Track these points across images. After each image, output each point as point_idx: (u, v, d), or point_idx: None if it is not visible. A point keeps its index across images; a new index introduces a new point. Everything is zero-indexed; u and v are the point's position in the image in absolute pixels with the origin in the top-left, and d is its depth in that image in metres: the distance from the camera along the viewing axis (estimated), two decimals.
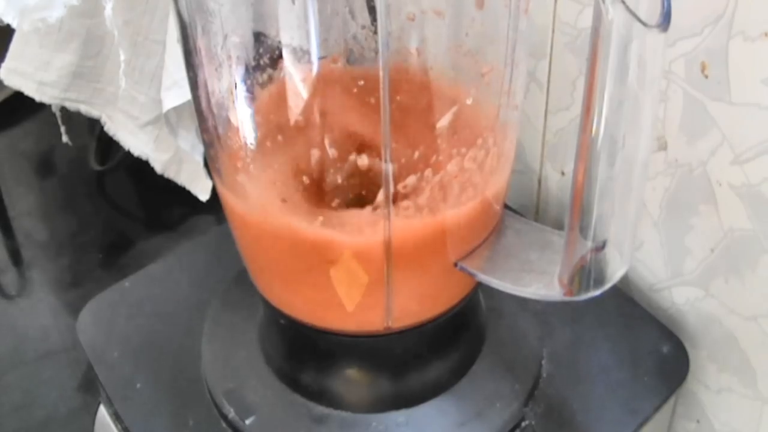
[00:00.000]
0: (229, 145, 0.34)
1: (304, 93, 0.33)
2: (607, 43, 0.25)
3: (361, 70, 0.34)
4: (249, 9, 0.33)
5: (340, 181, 0.32)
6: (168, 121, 0.59)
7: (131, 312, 0.44)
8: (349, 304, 0.34)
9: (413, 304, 0.35)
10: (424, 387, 0.38)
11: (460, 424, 0.37)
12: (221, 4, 0.31)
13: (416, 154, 0.32)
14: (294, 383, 0.38)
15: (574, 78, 0.45)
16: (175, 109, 0.57)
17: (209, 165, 0.38)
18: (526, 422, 0.38)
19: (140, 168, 0.63)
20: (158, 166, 0.63)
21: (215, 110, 0.34)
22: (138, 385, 0.40)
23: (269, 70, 0.34)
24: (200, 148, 0.61)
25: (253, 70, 0.34)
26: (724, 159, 0.38)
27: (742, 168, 0.37)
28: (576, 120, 0.34)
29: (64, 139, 0.67)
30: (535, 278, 0.33)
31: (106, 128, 0.63)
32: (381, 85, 0.29)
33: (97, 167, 0.70)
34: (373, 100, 0.31)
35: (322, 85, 0.33)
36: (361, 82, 0.33)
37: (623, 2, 0.24)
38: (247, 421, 0.37)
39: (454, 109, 0.32)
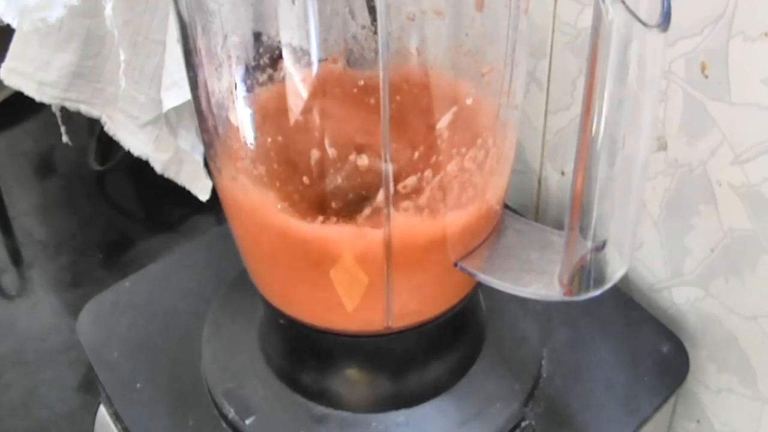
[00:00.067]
0: (229, 145, 0.34)
1: (304, 93, 0.33)
2: (607, 43, 0.25)
3: (360, 70, 0.34)
4: (249, 9, 0.33)
5: (340, 181, 0.32)
6: (168, 121, 0.59)
7: (131, 312, 0.44)
8: (349, 304, 0.34)
9: (413, 304, 0.35)
10: (424, 387, 0.38)
11: (460, 424, 0.37)
12: (221, 4, 0.31)
13: (416, 155, 0.32)
14: (294, 383, 0.38)
15: (574, 78, 0.45)
16: (175, 109, 0.57)
17: (209, 165, 0.38)
18: (526, 422, 0.38)
19: (140, 168, 0.63)
20: (158, 166, 0.63)
21: (215, 110, 0.34)
22: (138, 385, 0.40)
23: (269, 70, 0.34)
24: (200, 148, 0.61)
25: (253, 70, 0.34)
26: (724, 159, 0.38)
27: (742, 168, 0.37)
28: (576, 120, 0.34)
29: (64, 139, 0.67)
30: (535, 278, 0.33)
31: (106, 128, 0.63)
32: (381, 85, 0.29)
33: (97, 167, 0.70)
34: (372, 101, 0.31)
35: (322, 85, 0.33)
36: (361, 82, 0.33)
37: (623, 2, 0.24)
38: (247, 421, 0.37)
39: (454, 109, 0.32)
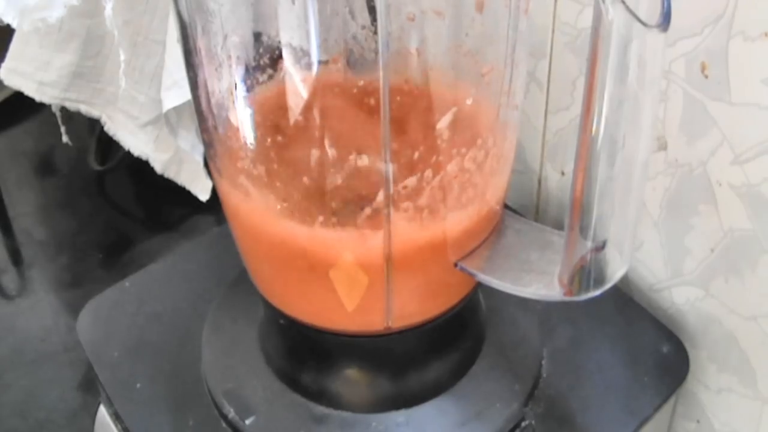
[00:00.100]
0: (229, 145, 0.34)
1: (304, 93, 0.33)
2: (607, 43, 0.25)
3: (360, 70, 0.34)
4: (249, 9, 0.33)
5: (340, 181, 0.32)
6: (168, 121, 0.59)
7: (131, 312, 0.44)
8: (349, 305, 0.34)
9: (413, 304, 0.35)
10: (424, 387, 0.38)
11: (460, 424, 0.37)
12: (221, 4, 0.31)
13: (416, 155, 0.32)
14: (294, 383, 0.38)
15: (574, 78, 0.45)
16: (175, 109, 0.57)
17: (209, 165, 0.38)
18: (526, 422, 0.38)
19: (140, 168, 0.63)
20: (158, 166, 0.63)
21: (215, 110, 0.34)
22: (138, 385, 0.40)
23: (269, 70, 0.34)
24: (200, 148, 0.61)
25: (253, 70, 0.34)
26: (724, 159, 0.38)
27: (742, 168, 0.37)
28: (576, 120, 0.34)
29: (64, 139, 0.67)
30: (535, 278, 0.33)
31: (106, 128, 0.63)
32: (381, 86, 0.29)
33: (97, 167, 0.70)
34: (372, 101, 0.31)
35: (322, 85, 0.33)
36: (361, 83, 0.33)
37: (623, 2, 0.24)
38: (247, 421, 0.37)
39: (453, 109, 0.32)
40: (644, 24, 0.24)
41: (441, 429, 0.37)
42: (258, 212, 0.33)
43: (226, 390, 0.39)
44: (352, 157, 0.32)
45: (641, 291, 0.46)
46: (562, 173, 0.49)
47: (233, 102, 0.34)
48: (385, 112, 0.29)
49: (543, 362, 0.40)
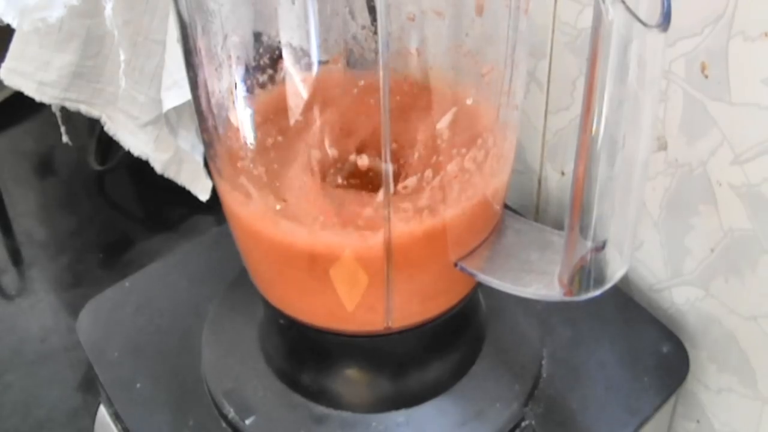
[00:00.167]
0: (229, 145, 0.34)
1: (304, 93, 0.33)
2: (607, 43, 0.25)
3: (361, 70, 0.34)
4: (249, 9, 0.33)
5: (340, 181, 0.32)
6: (168, 121, 0.59)
7: (131, 312, 0.44)
8: (349, 305, 0.34)
9: (413, 304, 0.35)
10: (424, 387, 0.38)
11: (460, 424, 0.37)
12: (221, 4, 0.31)
13: (416, 155, 0.32)
14: (294, 383, 0.38)
15: (574, 78, 0.45)
16: (175, 109, 0.57)
17: (209, 165, 0.38)
18: (526, 422, 0.38)
19: (140, 168, 0.63)
20: (158, 166, 0.63)
21: (215, 110, 0.34)
22: (138, 385, 0.40)
23: (269, 70, 0.34)
24: (200, 148, 0.61)
25: (253, 70, 0.34)
26: (724, 159, 0.38)
27: (742, 168, 0.37)
28: (576, 120, 0.34)
29: (64, 139, 0.67)
30: (535, 278, 0.33)
31: (106, 128, 0.63)
32: (381, 86, 0.29)
33: (97, 167, 0.70)
34: (372, 101, 0.31)
35: (322, 85, 0.33)
36: (362, 83, 0.33)
37: (623, 2, 0.24)
38: (247, 421, 0.37)
39: (454, 109, 0.32)
40: (644, 24, 0.24)
41: (441, 429, 0.37)
42: (258, 212, 0.33)
43: (226, 390, 0.39)
44: (352, 157, 0.32)
45: (641, 291, 0.46)
46: (562, 173, 0.49)
47: (233, 102, 0.34)
48: (385, 112, 0.29)
49: (543, 362, 0.40)
